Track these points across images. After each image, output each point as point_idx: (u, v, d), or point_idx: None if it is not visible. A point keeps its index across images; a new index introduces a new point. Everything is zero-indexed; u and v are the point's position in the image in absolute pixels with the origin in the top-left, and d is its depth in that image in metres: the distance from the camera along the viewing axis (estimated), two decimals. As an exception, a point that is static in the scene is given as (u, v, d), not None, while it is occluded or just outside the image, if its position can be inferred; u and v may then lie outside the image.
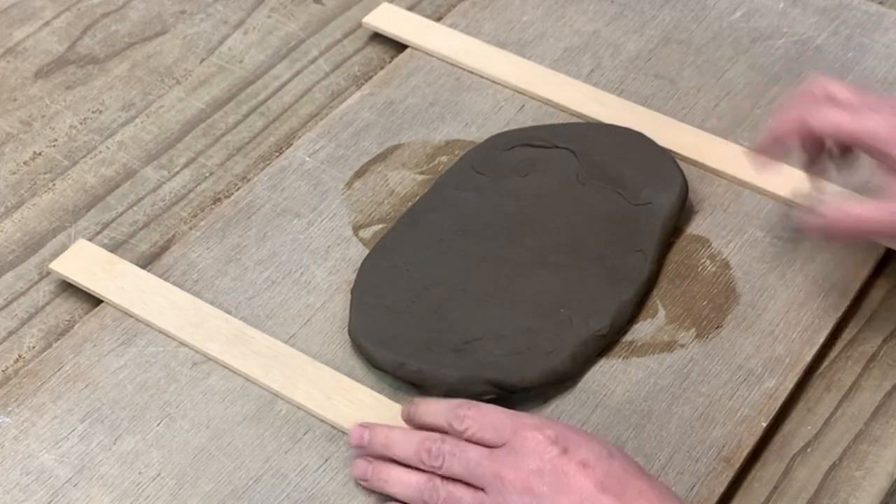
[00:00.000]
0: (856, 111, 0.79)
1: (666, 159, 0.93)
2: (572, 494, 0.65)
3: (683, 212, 0.90)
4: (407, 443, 0.72)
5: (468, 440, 0.70)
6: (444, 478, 0.70)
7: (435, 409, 0.73)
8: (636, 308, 0.84)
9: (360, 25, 1.06)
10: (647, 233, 0.87)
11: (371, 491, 0.74)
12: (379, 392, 0.79)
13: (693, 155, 0.94)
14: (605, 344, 0.82)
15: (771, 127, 0.83)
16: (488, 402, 0.74)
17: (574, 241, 0.87)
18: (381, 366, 0.80)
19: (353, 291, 0.85)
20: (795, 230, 0.87)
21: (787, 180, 0.92)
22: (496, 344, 0.80)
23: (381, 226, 0.90)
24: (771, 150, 0.83)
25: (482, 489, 0.69)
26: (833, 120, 0.79)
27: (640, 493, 0.66)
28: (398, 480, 0.72)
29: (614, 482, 0.66)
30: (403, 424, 0.75)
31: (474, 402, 0.72)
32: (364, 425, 0.74)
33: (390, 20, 1.05)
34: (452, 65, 1.02)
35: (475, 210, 0.89)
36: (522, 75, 1.00)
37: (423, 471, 0.71)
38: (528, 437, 0.68)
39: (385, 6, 1.06)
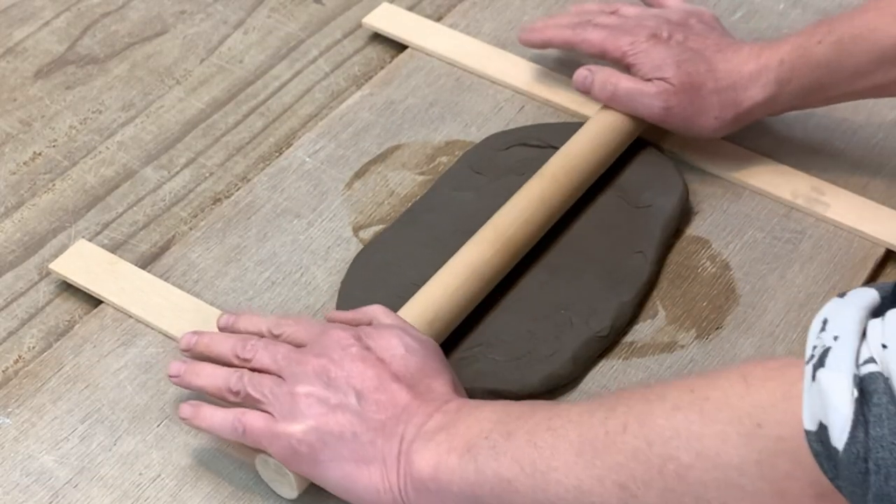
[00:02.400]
0: (613, 31, 0.92)
1: (665, 161, 0.93)
2: (367, 382, 0.70)
3: (683, 213, 0.90)
4: (226, 341, 0.76)
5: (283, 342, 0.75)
6: (254, 371, 0.74)
7: (256, 320, 0.77)
8: (636, 309, 0.84)
9: (360, 25, 1.06)
10: (648, 234, 0.87)
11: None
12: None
13: (694, 156, 0.94)
14: (606, 345, 0.82)
15: (545, 30, 0.97)
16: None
17: (574, 243, 0.87)
18: None
19: (342, 284, 0.85)
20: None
21: (786, 182, 0.92)
22: (496, 349, 0.80)
23: (381, 226, 0.90)
24: (534, 44, 0.98)
25: (283, 378, 0.73)
26: (596, 43, 0.93)
27: (430, 388, 0.71)
28: (209, 374, 0.75)
29: (407, 374, 0.71)
30: None
31: (294, 317, 0.77)
32: (195, 332, 0.77)
33: (390, 20, 1.05)
34: (452, 65, 1.02)
35: (473, 210, 0.88)
36: (522, 75, 1.00)
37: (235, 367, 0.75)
38: (333, 334, 0.73)
39: (385, 6, 1.06)
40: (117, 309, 0.84)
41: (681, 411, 0.59)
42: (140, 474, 0.76)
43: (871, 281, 0.88)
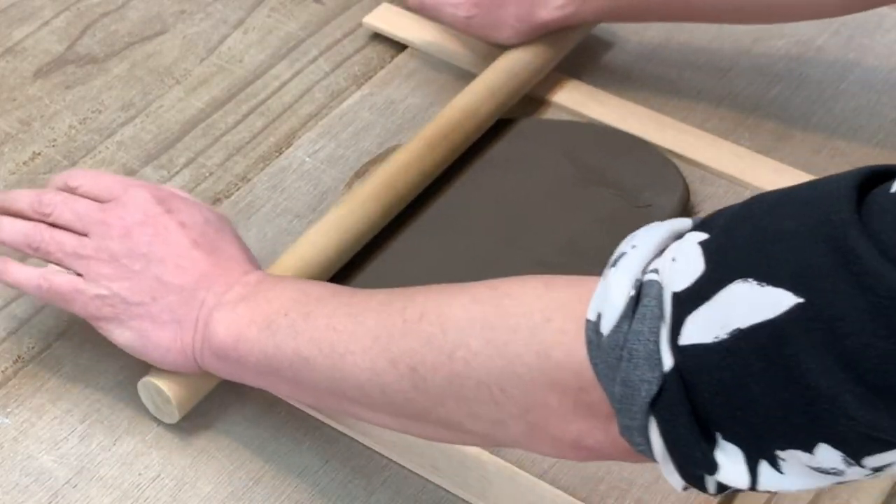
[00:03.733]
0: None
1: (665, 161, 0.93)
2: (169, 246, 0.73)
3: (684, 213, 0.90)
4: (23, 195, 0.77)
5: (81, 196, 0.76)
6: (53, 227, 0.75)
7: (56, 177, 0.79)
8: (637, 309, 0.84)
9: (360, 25, 1.06)
10: (648, 234, 0.87)
11: (371, 493, 0.75)
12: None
13: (694, 156, 0.94)
14: (606, 345, 0.82)
15: None
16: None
17: (574, 242, 0.87)
18: None
19: None
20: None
21: (787, 181, 0.92)
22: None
23: (381, 226, 0.90)
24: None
25: (87, 236, 0.74)
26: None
27: (228, 257, 0.75)
28: (5, 226, 0.76)
29: (207, 242, 0.75)
30: None
31: (92, 170, 0.79)
32: None
33: (390, 20, 1.05)
34: (452, 65, 1.02)
35: (460, 199, 0.89)
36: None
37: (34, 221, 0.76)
38: (135, 194, 0.75)
39: (385, 6, 1.06)
40: (117, 309, 0.84)
41: (479, 304, 0.61)
42: (139, 474, 0.76)
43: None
